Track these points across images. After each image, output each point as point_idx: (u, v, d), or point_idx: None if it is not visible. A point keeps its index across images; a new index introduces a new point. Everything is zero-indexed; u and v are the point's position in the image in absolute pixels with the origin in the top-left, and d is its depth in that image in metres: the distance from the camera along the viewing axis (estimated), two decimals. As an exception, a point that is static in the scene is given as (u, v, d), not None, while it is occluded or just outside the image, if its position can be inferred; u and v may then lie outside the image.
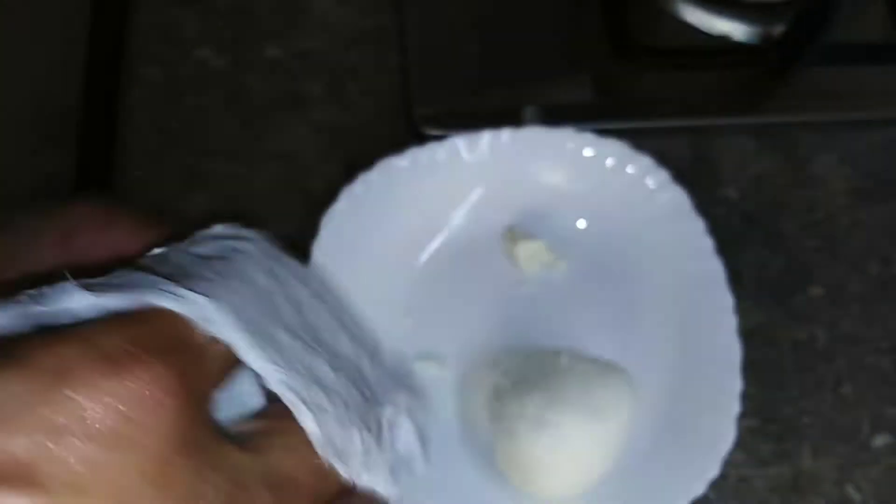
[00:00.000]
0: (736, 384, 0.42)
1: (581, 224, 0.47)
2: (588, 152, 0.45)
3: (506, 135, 0.45)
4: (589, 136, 0.45)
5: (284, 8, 0.55)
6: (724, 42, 0.54)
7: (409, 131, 0.51)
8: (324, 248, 0.42)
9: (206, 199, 0.50)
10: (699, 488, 0.40)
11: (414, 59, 0.52)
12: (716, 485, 0.45)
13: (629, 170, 0.45)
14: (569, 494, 0.40)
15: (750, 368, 0.48)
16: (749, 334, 0.49)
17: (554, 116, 0.49)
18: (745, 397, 0.47)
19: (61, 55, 0.65)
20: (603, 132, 0.46)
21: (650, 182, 0.45)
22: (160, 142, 0.51)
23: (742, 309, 0.49)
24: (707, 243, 0.44)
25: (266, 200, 0.50)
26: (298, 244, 0.47)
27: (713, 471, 0.40)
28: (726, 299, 0.43)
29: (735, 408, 0.41)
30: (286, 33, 0.54)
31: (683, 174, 0.52)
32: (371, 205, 0.44)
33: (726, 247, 0.50)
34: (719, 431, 0.41)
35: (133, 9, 0.54)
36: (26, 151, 0.64)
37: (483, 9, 0.53)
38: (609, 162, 0.45)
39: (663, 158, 0.52)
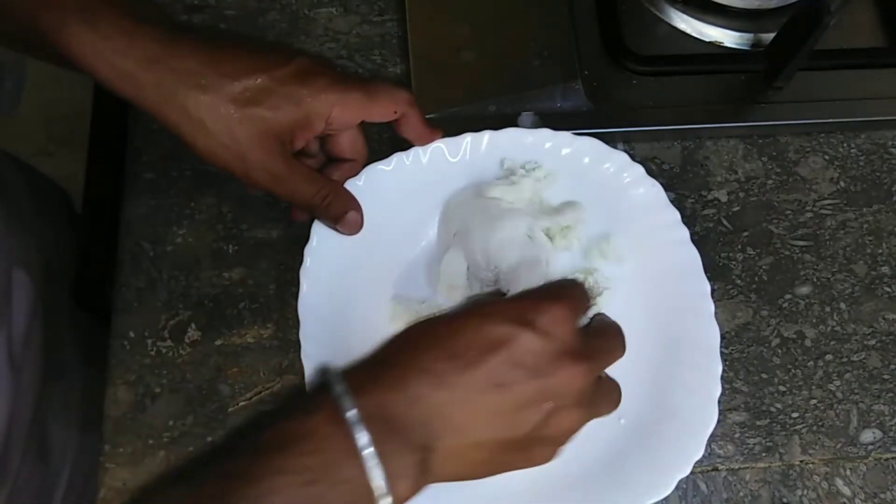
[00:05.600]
0: (716, 367, 0.42)
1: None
2: (566, 151, 0.46)
3: (486, 137, 0.46)
4: (566, 136, 0.46)
5: (291, 16, 0.56)
6: (715, 48, 0.55)
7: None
8: (314, 251, 0.43)
9: (214, 201, 0.51)
10: (685, 469, 0.41)
11: (416, 67, 0.53)
12: (707, 477, 0.47)
13: (606, 166, 0.46)
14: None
15: (739, 365, 0.49)
16: (738, 332, 0.50)
17: (550, 122, 0.50)
18: (735, 393, 0.48)
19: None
20: (597, 136, 0.47)
21: (626, 177, 0.46)
22: (170, 145, 0.52)
23: (731, 307, 0.50)
24: (683, 233, 0.45)
25: (269, 204, 0.51)
26: (293, 245, 0.48)
27: (698, 452, 0.41)
28: (703, 286, 0.44)
29: (716, 390, 0.42)
30: (293, 41, 0.55)
31: (675, 176, 0.53)
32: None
33: (716, 247, 0.52)
34: (703, 413, 0.42)
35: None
36: (40, 154, 0.65)
37: (482, 18, 0.55)
38: (586, 159, 0.46)
39: (655, 161, 0.53)
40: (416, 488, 0.32)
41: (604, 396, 0.37)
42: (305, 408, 0.31)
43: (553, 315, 0.33)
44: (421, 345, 0.33)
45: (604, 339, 0.37)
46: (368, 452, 0.30)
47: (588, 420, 0.36)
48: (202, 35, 0.39)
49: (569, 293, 0.35)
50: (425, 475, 0.32)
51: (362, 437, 0.30)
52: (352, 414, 0.31)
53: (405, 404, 0.32)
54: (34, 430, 0.49)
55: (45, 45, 0.37)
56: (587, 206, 0.46)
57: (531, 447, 0.34)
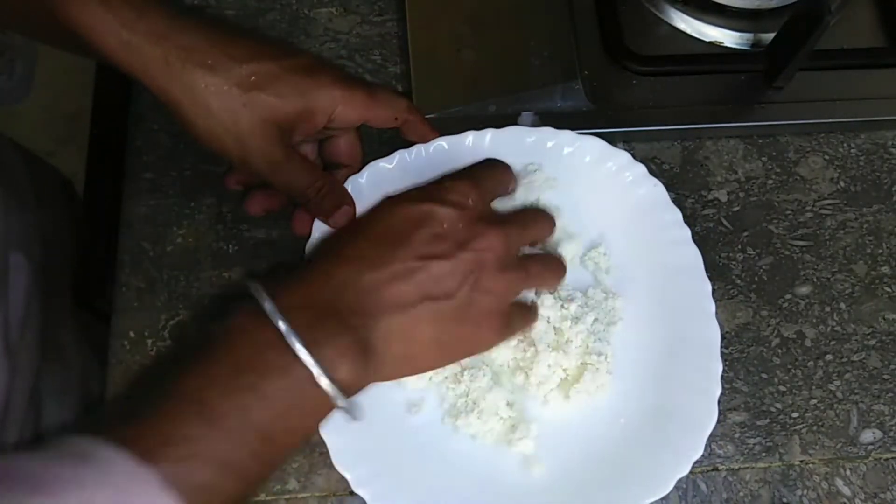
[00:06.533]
0: (717, 366, 0.42)
1: (564, 218, 0.48)
2: (567, 150, 0.46)
3: (489, 135, 0.46)
4: (568, 134, 0.46)
5: (291, 16, 0.56)
6: (715, 48, 0.55)
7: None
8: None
9: (214, 201, 0.51)
10: (684, 468, 0.41)
11: (416, 67, 0.53)
12: (707, 477, 0.47)
13: (608, 165, 0.46)
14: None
15: (739, 365, 0.49)
16: (738, 332, 0.50)
17: (550, 122, 0.50)
18: (735, 393, 0.48)
19: (74, 60, 0.66)
20: (597, 136, 0.47)
21: (628, 176, 0.46)
22: (170, 145, 0.52)
23: (731, 307, 0.50)
24: (684, 232, 0.45)
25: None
26: (293, 243, 0.48)
27: (698, 451, 0.41)
28: (704, 285, 0.44)
29: (716, 389, 0.42)
30: (293, 41, 0.55)
31: (675, 176, 0.53)
32: (360, 205, 0.44)
33: (716, 247, 0.52)
34: (702, 413, 0.42)
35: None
36: (40, 154, 0.65)
37: (482, 18, 0.55)
38: (588, 158, 0.46)
39: (655, 161, 0.53)
40: (362, 372, 0.34)
41: (540, 265, 0.40)
42: (227, 312, 0.34)
43: (459, 189, 0.38)
44: (341, 240, 0.37)
45: (522, 213, 0.41)
46: (293, 339, 0.32)
47: (525, 285, 0.40)
48: (210, 19, 0.39)
49: (476, 172, 0.40)
50: (369, 357, 0.34)
51: (282, 325, 0.32)
52: (269, 306, 0.33)
53: (332, 292, 0.34)
54: (30, 414, 0.49)
55: (53, 20, 0.36)
56: (589, 204, 0.46)
57: (473, 317, 0.37)
